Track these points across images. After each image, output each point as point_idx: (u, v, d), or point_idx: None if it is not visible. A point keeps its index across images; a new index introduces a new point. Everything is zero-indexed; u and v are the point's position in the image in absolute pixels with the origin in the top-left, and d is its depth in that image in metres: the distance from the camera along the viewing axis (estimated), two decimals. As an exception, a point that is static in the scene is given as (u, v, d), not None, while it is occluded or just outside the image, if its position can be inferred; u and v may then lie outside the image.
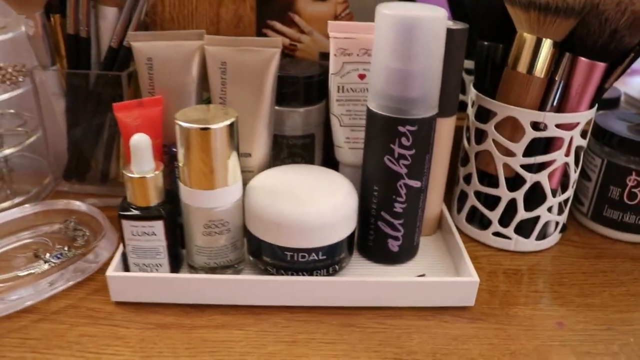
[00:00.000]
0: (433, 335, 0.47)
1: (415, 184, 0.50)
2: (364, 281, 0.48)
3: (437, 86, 0.47)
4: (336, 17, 0.60)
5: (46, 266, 0.51)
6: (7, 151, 0.60)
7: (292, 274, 0.48)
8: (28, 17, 0.55)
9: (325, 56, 0.60)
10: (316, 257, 0.48)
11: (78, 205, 0.58)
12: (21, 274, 0.50)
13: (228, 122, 0.44)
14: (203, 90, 0.54)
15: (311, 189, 0.49)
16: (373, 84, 0.48)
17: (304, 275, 0.48)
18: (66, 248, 0.53)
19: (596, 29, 0.48)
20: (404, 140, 0.47)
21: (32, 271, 0.50)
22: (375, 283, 0.48)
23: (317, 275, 0.49)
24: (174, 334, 0.46)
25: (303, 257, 0.48)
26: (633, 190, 0.58)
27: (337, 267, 0.50)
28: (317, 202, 0.47)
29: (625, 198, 0.59)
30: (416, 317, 0.49)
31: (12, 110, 0.66)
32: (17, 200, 0.62)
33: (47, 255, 0.52)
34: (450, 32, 0.48)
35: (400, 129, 0.47)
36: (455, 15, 0.61)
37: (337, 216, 0.48)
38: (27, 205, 0.58)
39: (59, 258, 0.52)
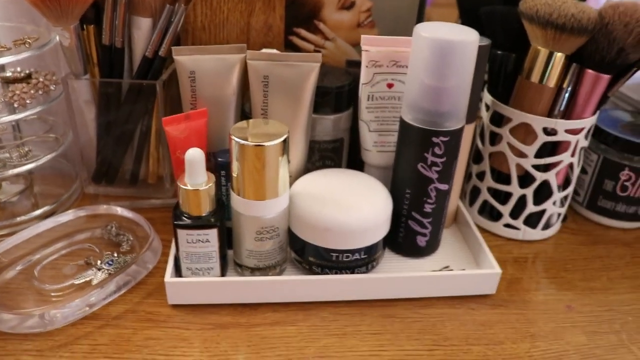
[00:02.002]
0: (463, 322, 0.53)
1: (444, 187, 0.55)
2: (401, 276, 0.53)
3: (467, 100, 0.52)
4: (359, 25, 0.63)
5: (101, 274, 0.54)
6: (43, 160, 0.61)
7: (336, 272, 0.53)
8: (64, 29, 0.56)
9: (351, 63, 0.64)
10: (358, 257, 0.53)
11: (119, 210, 0.61)
12: (77, 282, 0.53)
13: (282, 139, 0.48)
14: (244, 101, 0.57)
15: (351, 193, 0.54)
16: (408, 98, 0.52)
17: (346, 272, 0.53)
18: (115, 254, 0.56)
19: (605, 46, 0.54)
20: (437, 150, 0.52)
21: (88, 279, 0.53)
22: (412, 278, 0.53)
23: (357, 272, 0.54)
24: (233, 333, 0.50)
25: (347, 257, 0.52)
26: (625, 183, 0.65)
27: (374, 263, 0.55)
28: (359, 207, 0.52)
29: (618, 190, 0.65)
30: (447, 306, 0.54)
31: (35, 116, 0.68)
32: (48, 207, 0.64)
33: (99, 262, 0.55)
34: (475, 48, 0.52)
35: (434, 139, 0.52)
36: (467, 24, 0.65)
37: (377, 220, 0.52)
38: (68, 212, 0.60)
39: (110, 265, 0.55)
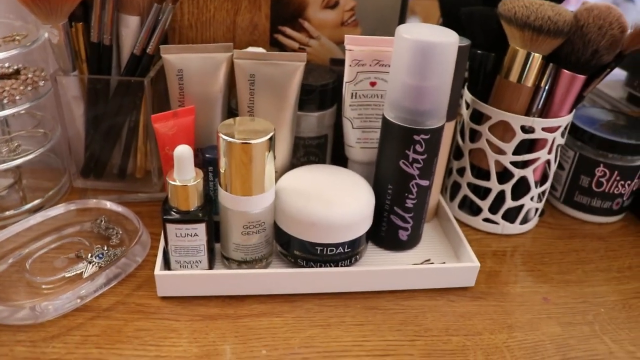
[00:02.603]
0: (443, 313, 0.55)
1: (425, 182, 0.56)
2: (384, 270, 0.55)
3: (447, 99, 0.54)
4: (343, 24, 0.65)
5: (91, 267, 0.55)
6: (32, 155, 0.62)
7: (320, 265, 0.55)
8: (53, 27, 0.57)
9: (335, 61, 0.66)
10: (342, 250, 0.54)
11: (108, 204, 0.62)
12: (68, 275, 0.54)
13: (268, 137, 0.49)
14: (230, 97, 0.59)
15: (335, 189, 0.55)
16: (391, 97, 0.54)
17: (330, 266, 0.55)
18: (105, 248, 0.58)
19: (580, 48, 0.56)
20: (418, 147, 0.54)
21: (79, 272, 0.54)
22: (394, 271, 0.55)
23: (341, 265, 0.55)
24: (221, 324, 0.51)
25: (331, 250, 0.54)
26: (600, 179, 0.67)
27: (357, 257, 0.57)
28: (343, 202, 0.54)
29: (593, 186, 0.68)
30: (427, 298, 0.56)
31: (23, 111, 0.68)
32: (38, 201, 0.65)
33: (89, 255, 0.56)
34: (456, 49, 0.54)
35: (415, 137, 0.53)
36: (448, 24, 0.67)
37: (361, 214, 0.54)
38: (58, 206, 0.61)
39: (101, 258, 0.56)
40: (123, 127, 0.64)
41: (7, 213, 0.63)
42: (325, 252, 0.54)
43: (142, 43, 0.59)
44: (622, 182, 0.67)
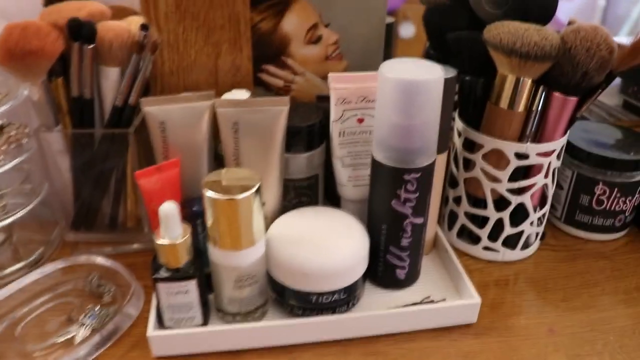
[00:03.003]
0: (446, 354, 0.53)
1: (419, 220, 0.55)
2: (383, 314, 0.54)
3: (436, 135, 0.52)
4: (327, 58, 0.64)
5: (83, 330, 0.54)
6: (20, 213, 0.61)
7: (317, 313, 0.53)
8: (32, 84, 0.56)
9: (321, 98, 0.64)
10: (338, 297, 0.53)
11: (98, 259, 0.61)
12: (59, 340, 0.53)
13: (253, 190, 0.48)
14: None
15: (328, 234, 0.54)
16: (378, 137, 0.52)
17: (328, 313, 0.53)
18: (97, 307, 0.56)
19: (569, 70, 0.54)
20: (409, 186, 0.52)
21: (69, 336, 0.53)
22: (393, 314, 0.54)
23: (339, 311, 0.54)
24: (219, 382, 0.50)
25: (327, 298, 0.53)
26: (600, 197, 0.65)
27: (355, 301, 0.55)
28: (336, 247, 0.52)
29: (594, 204, 0.66)
30: (429, 338, 0.55)
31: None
32: (30, 259, 0.64)
33: (81, 317, 0.55)
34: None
35: (406, 177, 0.52)
36: (435, 47, 0.66)
37: (354, 259, 0.53)
38: (49, 264, 0.60)
39: (93, 319, 0.55)
40: (111, 177, 0.63)
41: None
42: (320, 300, 0.53)
43: (123, 94, 0.58)
44: (623, 199, 0.65)
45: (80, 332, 0.54)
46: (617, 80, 0.87)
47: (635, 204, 0.67)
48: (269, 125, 0.54)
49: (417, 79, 0.49)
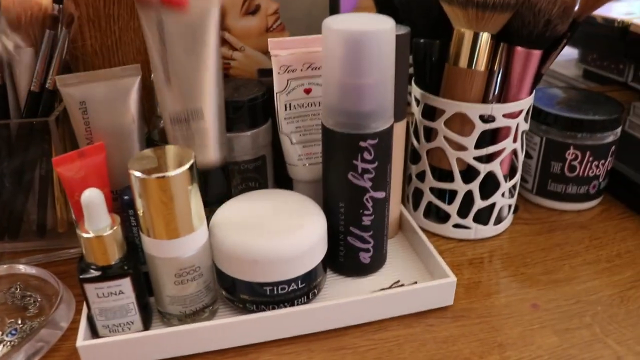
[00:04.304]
0: (423, 342, 0.47)
1: (380, 194, 0.49)
2: (347, 302, 0.47)
3: (392, 96, 0.47)
4: (268, 30, 0.58)
5: (2, 347, 0.46)
6: None
7: (273, 307, 0.47)
8: None
9: (263, 72, 0.58)
10: (296, 287, 0.47)
11: (21, 268, 0.53)
12: (-25, 361, 0.46)
13: (186, 167, 0.42)
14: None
15: (279, 217, 0.48)
16: (327, 102, 0.47)
17: (285, 306, 0.47)
18: (19, 321, 0.49)
19: (530, 20, 0.50)
20: (366, 155, 0.47)
21: (-13, 355, 0.46)
22: (358, 301, 0.48)
23: (298, 304, 0.48)
24: (163, 394, 0.43)
25: (283, 289, 0.46)
26: (572, 163, 0.61)
27: (315, 291, 0.49)
28: (289, 231, 0.46)
29: (566, 171, 0.62)
30: (402, 326, 0.49)
31: None
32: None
33: (0, 334, 0.47)
34: (394, 38, 0.47)
35: (362, 144, 0.46)
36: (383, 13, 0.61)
37: (312, 241, 0.47)
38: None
39: (14, 335, 0.47)
40: (34, 177, 0.56)
41: None
42: (276, 292, 0.46)
43: (39, 77, 0.52)
44: (596, 163, 0.61)
45: (-2, 351, 0.46)
46: (575, 51, 0.84)
47: (609, 168, 0.63)
48: (198, 18, 0.47)
49: (366, 29, 0.43)
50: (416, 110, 0.58)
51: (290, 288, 0.46)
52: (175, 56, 0.47)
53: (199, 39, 0.47)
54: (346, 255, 0.52)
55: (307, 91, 0.52)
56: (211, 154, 0.50)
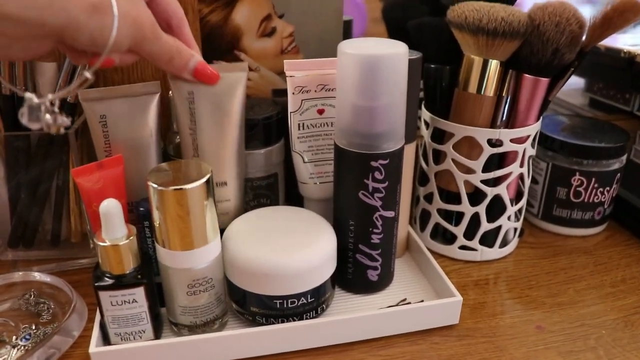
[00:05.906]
0: (428, 359, 0.48)
1: (390, 214, 0.50)
2: (355, 317, 0.48)
3: (403, 118, 0.48)
4: (282, 52, 0.60)
5: (16, 352, 0.47)
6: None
7: (282, 321, 0.48)
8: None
9: (277, 92, 0.60)
10: (305, 301, 0.48)
11: (36, 275, 0.55)
12: (-12, 364, 0.47)
13: (203, 180, 0.43)
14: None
15: (290, 232, 0.49)
16: (341, 122, 0.48)
17: (294, 320, 0.48)
18: (33, 327, 0.50)
19: (539, 48, 0.51)
20: (377, 175, 0.48)
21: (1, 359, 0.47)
22: (366, 317, 0.49)
23: (306, 318, 0.49)
24: (172, 403, 0.44)
25: (292, 302, 0.47)
26: (578, 189, 0.62)
27: (324, 306, 0.50)
28: (299, 246, 0.47)
29: (571, 197, 0.63)
30: (407, 343, 0.49)
31: None
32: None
33: (14, 338, 0.48)
34: (406, 62, 0.49)
35: (373, 164, 0.48)
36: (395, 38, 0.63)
37: (321, 259, 0.48)
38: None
39: (27, 340, 0.48)
40: (51, 188, 0.57)
41: None
42: (285, 306, 0.47)
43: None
44: (601, 189, 0.62)
45: (12, 355, 0.47)
46: (582, 81, 0.86)
47: (614, 194, 0.64)
48: (225, 92, 0.49)
49: (379, 53, 0.45)
50: (425, 133, 0.59)
51: (300, 302, 0.47)
52: (202, 132, 0.50)
53: (224, 109, 0.50)
54: (354, 272, 0.53)
55: (320, 111, 0.53)
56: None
